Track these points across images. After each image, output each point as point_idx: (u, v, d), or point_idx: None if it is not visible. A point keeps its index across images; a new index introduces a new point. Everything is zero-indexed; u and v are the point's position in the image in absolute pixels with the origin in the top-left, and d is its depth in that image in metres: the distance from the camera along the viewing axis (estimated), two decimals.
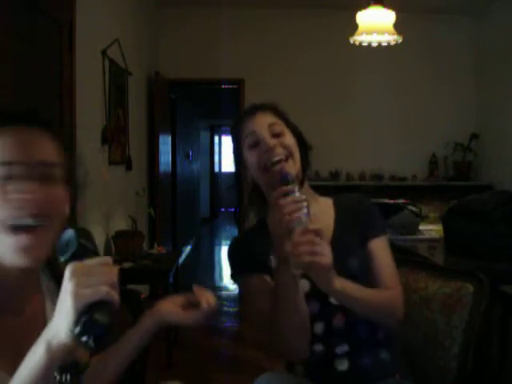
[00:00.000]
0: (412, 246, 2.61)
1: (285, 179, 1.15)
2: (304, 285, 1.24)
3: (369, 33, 3.62)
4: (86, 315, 0.73)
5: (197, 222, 9.70)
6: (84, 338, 0.73)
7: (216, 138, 12.56)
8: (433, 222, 3.25)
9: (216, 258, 8.29)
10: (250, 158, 1.31)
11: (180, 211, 6.78)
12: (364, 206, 1.43)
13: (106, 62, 3.46)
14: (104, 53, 3.41)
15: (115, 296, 0.76)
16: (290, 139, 1.34)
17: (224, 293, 5.65)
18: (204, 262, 7.83)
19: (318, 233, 1.10)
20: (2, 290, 0.92)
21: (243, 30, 5.68)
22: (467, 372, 1.37)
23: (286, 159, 1.29)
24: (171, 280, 3.58)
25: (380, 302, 1.26)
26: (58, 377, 0.75)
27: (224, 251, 8.45)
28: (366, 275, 1.31)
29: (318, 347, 1.29)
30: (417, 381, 1.39)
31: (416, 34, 5.32)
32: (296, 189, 1.13)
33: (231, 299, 5.44)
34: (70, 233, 0.81)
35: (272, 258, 1.25)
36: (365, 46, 3.97)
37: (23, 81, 2.21)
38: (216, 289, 5.84)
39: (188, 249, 7.74)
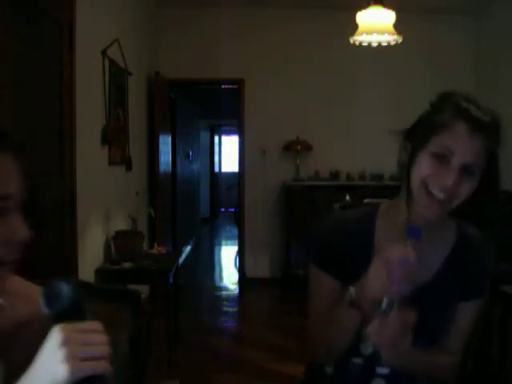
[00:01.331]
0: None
1: (414, 234, 1.01)
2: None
3: (369, 33, 3.62)
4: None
5: (197, 222, 9.70)
6: None
7: (216, 138, 12.55)
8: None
9: (216, 258, 8.30)
10: (426, 164, 1.09)
11: (180, 211, 6.79)
12: (484, 259, 1.24)
13: (106, 62, 3.46)
14: (104, 53, 3.41)
15: (110, 369, 0.72)
16: (470, 188, 1.08)
17: (224, 293, 5.65)
18: (204, 262, 7.83)
19: (406, 322, 1.03)
20: None
21: (243, 30, 5.68)
22: (467, 372, 1.36)
23: (447, 202, 1.09)
24: (171, 280, 3.58)
25: (436, 369, 1.22)
26: None
27: (224, 251, 8.46)
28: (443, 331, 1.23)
29: (358, 360, 1.23)
30: (417, 381, 1.38)
31: (416, 34, 5.32)
32: (413, 255, 0.99)
33: (231, 299, 5.44)
34: (64, 287, 0.74)
35: (350, 290, 1.11)
36: (365, 46, 3.97)
37: (23, 81, 2.21)
38: (216, 289, 5.84)
39: (188, 249, 7.74)
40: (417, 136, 1.15)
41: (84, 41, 2.91)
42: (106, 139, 3.39)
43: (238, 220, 6.22)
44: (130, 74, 4.08)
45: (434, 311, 1.18)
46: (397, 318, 1.02)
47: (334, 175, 5.72)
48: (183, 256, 6.73)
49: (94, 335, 0.73)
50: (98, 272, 3.20)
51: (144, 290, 3.87)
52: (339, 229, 1.25)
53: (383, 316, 1.03)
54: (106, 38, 3.47)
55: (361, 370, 1.23)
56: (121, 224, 3.73)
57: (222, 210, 12.50)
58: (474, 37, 5.80)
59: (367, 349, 1.21)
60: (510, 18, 5.10)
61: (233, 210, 8.97)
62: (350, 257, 1.17)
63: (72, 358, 0.68)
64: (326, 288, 1.22)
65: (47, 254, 2.47)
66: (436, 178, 1.08)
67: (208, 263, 7.79)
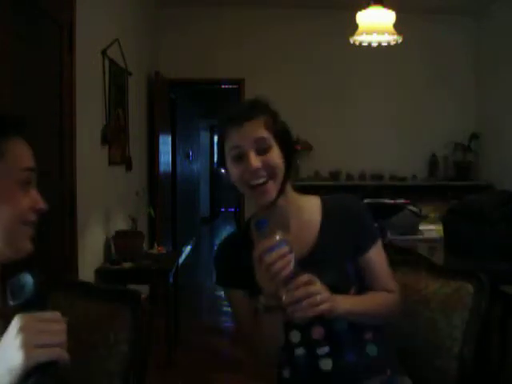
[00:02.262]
0: (412, 246, 2.61)
1: (261, 227, 1.12)
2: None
3: (369, 33, 3.62)
4: (34, 376, 0.72)
5: (197, 222, 9.70)
6: None
7: (216, 138, 12.55)
8: (433, 222, 3.24)
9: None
10: (233, 169, 1.26)
11: (180, 211, 6.79)
12: (353, 211, 1.35)
13: (106, 62, 3.46)
14: (104, 53, 3.41)
15: (65, 356, 0.75)
16: (275, 156, 1.25)
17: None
18: (204, 262, 7.83)
19: (310, 281, 1.11)
20: None
21: (243, 30, 5.68)
22: (467, 372, 1.37)
23: (267, 181, 1.24)
24: (171, 280, 3.58)
25: (386, 309, 1.30)
26: None
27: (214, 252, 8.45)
28: (359, 282, 1.31)
29: (299, 351, 1.30)
30: (417, 381, 1.39)
31: (416, 34, 5.32)
32: (277, 238, 1.09)
33: (227, 301, 5.44)
34: (27, 278, 0.77)
35: (260, 299, 1.19)
36: (365, 46, 3.97)
37: (23, 81, 2.21)
38: (216, 289, 5.83)
39: (188, 249, 7.74)
40: (217, 157, 1.36)
41: (84, 41, 2.91)
42: (105, 139, 3.39)
43: (238, 220, 6.21)
44: (130, 73, 4.08)
45: (327, 275, 1.24)
46: (297, 284, 1.09)
47: (334, 175, 5.72)
48: (183, 256, 6.72)
49: (52, 324, 0.76)
50: (98, 272, 3.20)
51: (144, 289, 3.87)
52: (226, 247, 1.43)
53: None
54: (106, 37, 3.47)
55: (305, 359, 1.29)
56: (121, 224, 3.73)
57: (222, 209, 12.50)
58: (474, 37, 5.80)
59: (296, 336, 1.29)
60: (510, 17, 5.10)
61: (233, 209, 8.97)
62: (242, 267, 1.24)
63: (27, 345, 0.72)
64: (238, 302, 1.34)
65: (47, 254, 2.47)
66: (245, 172, 1.23)
67: (208, 263, 7.78)
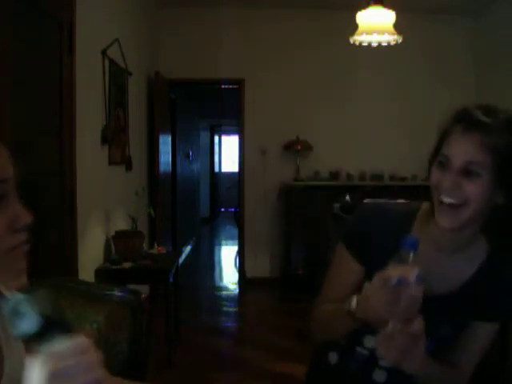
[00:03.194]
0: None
1: (409, 245, 0.96)
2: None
3: (369, 33, 3.62)
4: None
5: (197, 222, 9.70)
6: None
7: (216, 138, 12.55)
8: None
9: (216, 258, 8.29)
10: (434, 172, 1.12)
11: (180, 211, 6.79)
12: (509, 284, 1.18)
13: (106, 62, 3.46)
14: (104, 53, 3.41)
15: (99, 375, 0.64)
16: (475, 188, 1.06)
17: (224, 293, 5.65)
18: (204, 261, 7.84)
19: (417, 337, 1.00)
20: None
21: (243, 30, 5.68)
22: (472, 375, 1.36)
23: (458, 206, 1.07)
24: (171, 280, 3.58)
25: (445, 382, 1.19)
26: None
27: (224, 251, 8.46)
28: (450, 345, 1.21)
29: (363, 351, 1.25)
30: (416, 382, 1.38)
31: (416, 34, 5.32)
32: (418, 272, 0.94)
33: (231, 299, 5.44)
34: (24, 303, 0.63)
35: (352, 301, 1.10)
36: (365, 46, 3.97)
37: (23, 81, 2.21)
38: (216, 289, 5.84)
39: (188, 249, 7.74)
40: (432, 151, 1.18)
41: (84, 41, 2.91)
42: (105, 139, 3.39)
43: (238, 220, 6.22)
44: (130, 73, 4.08)
45: (446, 322, 1.18)
46: (404, 332, 0.99)
47: (334, 175, 5.72)
48: (183, 256, 6.73)
49: (82, 358, 0.64)
50: (98, 272, 3.20)
51: (144, 289, 3.87)
52: (383, 216, 1.24)
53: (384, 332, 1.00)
54: (105, 37, 3.47)
55: (364, 360, 1.24)
56: (121, 224, 3.73)
57: (222, 209, 12.51)
58: (473, 37, 5.80)
59: (370, 343, 1.22)
60: (510, 17, 5.10)
61: (233, 209, 8.97)
62: (380, 251, 1.14)
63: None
64: (347, 269, 1.23)
65: (47, 254, 2.47)
66: (440, 185, 1.09)
67: (208, 263, 7.79)
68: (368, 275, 1.14)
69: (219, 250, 8.88)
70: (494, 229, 1.14)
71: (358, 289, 1.14)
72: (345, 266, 1.24)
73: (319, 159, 5.71)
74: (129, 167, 4.05)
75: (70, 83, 2.73)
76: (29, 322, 0.63)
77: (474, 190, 1.06)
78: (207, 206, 11.60)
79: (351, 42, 3.81)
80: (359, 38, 3.74)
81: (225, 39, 5.68)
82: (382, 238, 1.19)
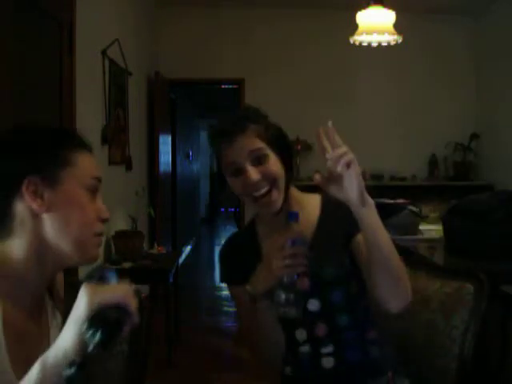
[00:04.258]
0: (412, 246, 2.61)
1: (292, 218, 1.16)
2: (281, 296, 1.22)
3: (369, 33, 3.62)
4: (99, 315, 0.77)
5: (197, 222, 9.70)
6: (93, 335, 0.76)
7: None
8: (433, 222, 3.24)
9: (216, 258, 8.30)
10: (234, 184, 1.27)
11: (180, 211, 6.79)
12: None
13: (106, 62, 3.46)
14: (104, 53, 3.41)
15: (129, 301, 0.81)
16: (272, 164, 1.25)
17: (224, 293, 5.65)
18: (204, 262, 7.83)
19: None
20: (36, 291, 0.96)
21: (243, 30, 5.68)
22: (467, 372, 1.37)
23: (271, 190, 1.24)
24: (171, 280, 3.58)
25: (399, 262, 1.18)
26: (64, 373, 0.76)
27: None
28: (357, 271, 1.28)
29: (304, 349, 1.31)
30: (417, 381, 1.39)
31: (416, 34, 5.32)
32: (304, 235, 1.16)
33: (231, 299, 5.44)
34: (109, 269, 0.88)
35: (249, 285, 1.23)
36: (365, 46, 3.97)
37: (23, 81, 2.21)
38: (216, 289, 5.83)
39: (188, 249, 7.74)
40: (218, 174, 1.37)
41: (84, 41, 2.91)
42: (105, 139, 3.39)
43: (238, 220, 6.22)
44: (130, 73, 4.08)
45: (326, 265, 1.29)
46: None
47: None
48: (183, 256, 6.73)
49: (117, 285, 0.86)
50: None
51: (144, 289, 3.87)
52: (231, 245, 1.44)
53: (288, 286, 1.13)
54: (106, 37, 3.47)
55: (309, 357, 1.30)
56: (121, 224, 3.73)
57: (222, 210, 12.50)
58: (474, 37, 5.80)
59: (302, 335, 1.31)
60: (510, 17, 5.10)
61: (233, 210, 8.97)
62: (247, 264, 1.25)
63: (92, 291, 0.79)
64: (242, 299, 1.29)
65: None
66: (246, 186, 1.23)
67: (208, 263, 7.79)
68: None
69: (219, 249, 8.88)
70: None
71: None
72: (239, 297, 1.32)
73: (319, 159, 5.67)
74: (129, 167, 4.05)
75: (70, 83, 2.73)
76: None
77: (271, 168, 1.24)
78: (207, 206, 11.60)
79: (351, 41, 3.80)
80: (359, 38, 3.73)
81: (225, 39, 5.68)
82: (241, 255, 1.35)
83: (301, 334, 1.31)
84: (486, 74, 5.63)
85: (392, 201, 3.11)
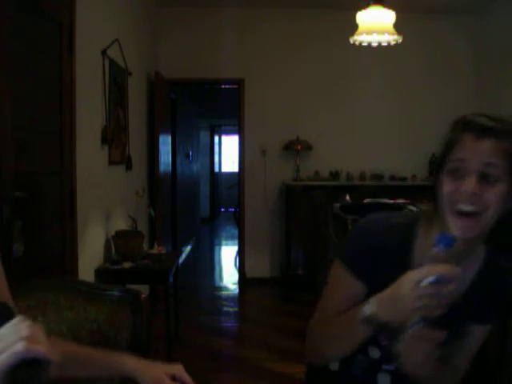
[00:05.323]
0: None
1: (446, 243, 0.96)
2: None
3: (369, 33, 3.62)
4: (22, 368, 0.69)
5: (197, 221, 9.70)
6: None
7: (216, 138, 12.55)
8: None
9: (216, 258, 8.29)
10: (446, 183, 1.07)
11: (180, 211, 6.79)
12: (506, 292, 1.20)
13: (106, 62, 3.46)
14: (104, 53, 3.41)
15: (40, 349, 0.71)
16: (497, 192, 1.03)
17: (224, 293, 5.65)
18: (204, 261, 7.83)
19: (434, 341, 1.00)
20: None
21: (243, 30, 5.68)
22: (467, 372, 1.37)
23: (478, 213, 1.04)
24: (171, 280, 3.58)
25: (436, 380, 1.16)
26: None
27: (224, 251, 8.46)
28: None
29: (365, 358, 1.24)
30: (416, 381, 1.38)
31: (416, 34, 5.32)
32: (457, 271, 0.94)
33: (231, 299, 5.44)
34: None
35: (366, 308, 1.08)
36: (365, 46, 3.97)
37: (23, 81, 2.21)
38: (216, 289, 5.84)
39: (188, 249, 7.74)
40: (437, 160, 1.14)
41: (84, 41, 2.91)
42: (105, 139, 3.39)
43: (238, 220, 6.22)
44: (130, 74, 4.08)
45: (451, 329, 1.17)
46: (427, 338, 0.98)
47: (334, 175, 5.72)
48: (183, 256, 6.73)
49: (13, 326, 0.73)
50: (98, 272, 3.20)
51: (144, 289, 3.87)
52: (378, 238, 1.19)
53: (410, 334, 0.99)
54: (105, 37, 3.47)
55: (367, 366, 1.23)
56: (121, 224, 3.73)
57: (222, 209, 12.50)
58: (474, 36, 5.80)
59: (376, 354, 1.21)
60: (510, 17, 5.10)
61: (233, 210, 8.98)
62: (383, 267, 1.13)
63: (30, 339, 0.70)
64: (348, 289, 1.19)
65: (47, 254, 2.48)
66: (457, 192, 1.05)
67: (208, 263, 7.79)
68: (371, 292, 1.12)
69: (219, 250, 8.88)
70: (495, 233, 1.13)
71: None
72: (344, 284, 1.20)
73: (319, 159, 5.71)
74: (129, 167, 4.05)
75: (70, 83, 2.73)
76: None
77: (494, 195, 1.03)
78: (207, 206, 11.60)
79: (351, 42, 3.81)
80: (359, 38, 3.74)
81: (225, 39, 5.68)
82: (385, 254, 1.15)
83: (372, 351, 1.22)
84: (486, 73, 5.64)
85: (392, 201, 3.11)
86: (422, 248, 1.14)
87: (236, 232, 6.64)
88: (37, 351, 0.70)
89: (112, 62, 3.57)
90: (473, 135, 1.04)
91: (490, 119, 1.07)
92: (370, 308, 1.06)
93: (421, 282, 0.95)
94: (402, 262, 1.08)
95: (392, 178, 5.71)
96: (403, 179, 5.69)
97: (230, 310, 5.05)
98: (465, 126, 1.07)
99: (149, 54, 5.16)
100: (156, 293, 4.48)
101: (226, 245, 8.90)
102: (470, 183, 1.02)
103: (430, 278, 0.94)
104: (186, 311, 4.37)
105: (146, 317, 1.35)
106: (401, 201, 3.12)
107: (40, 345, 0.71)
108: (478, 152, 1.03)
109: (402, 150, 5.72)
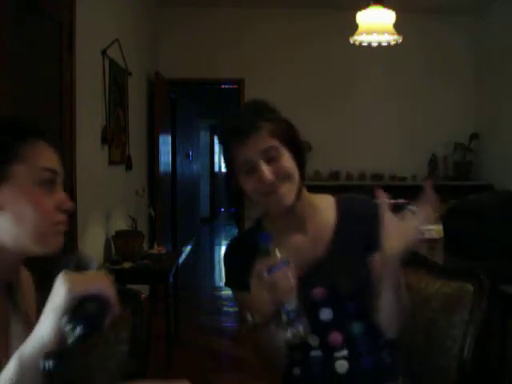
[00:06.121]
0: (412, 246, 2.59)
1: (263, 241, 1.08)
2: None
3: (369, 33, 3.62)
4: (77, 307, 0.76)
5: (197, 221, 9.70)
6: (73, 328, 0.74)
7: (216, 138, 12.56)
8: (433, 221, 3.23)
9: (216, 258, 8.29)
10: (247, 183, 1.23)
11: (180, 211, 6.78)
12: (367, 211, 1.31)
13: (106, 62, 3.46)
14: (104, 53, 3.41)
15: (110, 293, 0.79)
16: (286, 161, 1.22)
17: (224, 293, 5.65)
18: (204, 262, 7.83)
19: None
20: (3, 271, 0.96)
21: (243, 30, 5.68)
22: (467, 372, 1.37)
23: (283, 185, 1.22)
24: (171, 280, 3.58)
25: (404, 300, 1.27)
26: (41, 363, 0.75)
27: (224, 251, 8.45)
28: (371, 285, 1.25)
29: (316, 353, 1.28)
30: (417, 381, 1.39)
31: (416, 34, 5.32)
32: (279, 257, 1.06)
33: (231, 299, 5.44)
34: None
35: (247, 316, 1.17)
36: (365, 46, 3.97)
37: (23, 81, 2.21)
38: (216, 289, 5.84)
39: (188, 249, 7.74)
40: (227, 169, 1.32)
41: (84, 41, 2.91)
42: (105, 139, 3.39)
43: (238, 220, 6.21)
44: (130, 74, 4.08)
45: (343, 276, 1.25)
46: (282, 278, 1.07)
47: (334, 175, 5.72)
48: (183, 256, 6.73)
49: (95, 274, 0.85)
50: None
51: (144, 289, 3.87)
52: (236, 247, 1.40)
53: (291, 320, 1.06)
54: (105, 37, 3.47)
55: (321, 360, 1.27)
56: (121, 224, 3.73)
57: (222, 209, 12.50)
58: (474, 36, 5.80)
59: (315, 340, 1.26)
60: (510, 17, 5.10)
61: (233, 210, 8.97)
62: (251, 267, 1.18)
63: (70, 281, 0.78)
64: (247, 304, 1.24)
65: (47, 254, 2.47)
66: (260, 185, 1.21)
67: (208, 263, 7.79)
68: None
69: (219, 250, 8.87)
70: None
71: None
72: (245, 302, 1.26)
73: (319, 159, 5.71)
74: (129, 167, 4.05)
75: (70, 83, 2.73)
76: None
77: (285, 163, 1.21)
78: (207, 206, 11.60)
79: (351, 42, 3.81)
80: (359, 38, 3.74)
81: (225, 39, 5.69)
82: (248, 258, 1.18)
83: (313, 341, 1.27)
84: (486, 73, 5.63)
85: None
86: (272, 229, 1.29)
87: (236, 232, 6.63)
88: (107, 295, 0.79)
89: (112, 62, 3.57)
90: (241, 138, 1.20)
91: (245, 117, 1.25)
92: (248, 320, 1.16)
93: (259, 277, 1.08)
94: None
95: (392, 178, 5.71)
96: (403, 179, 5.69)
97: (230, 310, 5.05)
98: (231, 134, 1.23)
99: (149, 54, 5.16)
100: (156, 293, 4.48)
101: (226, 245, 8.89)
102: (263, 173, 1.19)
103: (265, 273, 1.06)
104: (185, 311, 4.36)
105: (146, 317, 1.35)
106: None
107: (111, 291, 0.80)
108: (252, 147, 1.20)
109: (402, 150, 5.72)
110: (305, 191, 1.32)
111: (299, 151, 1.27)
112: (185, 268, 6.09)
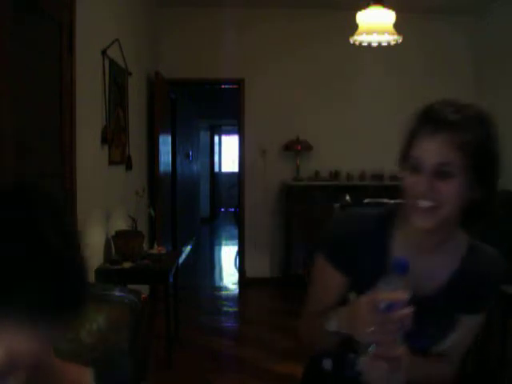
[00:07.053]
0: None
1: (399, 268, 0.96)
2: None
3: (369, 33, 3.62)
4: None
5: (197, 221, 9.70)
6: None
7: (216, 138, 12.55)
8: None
9: (216, 258, 8.30)
10: (407, 176, 1.11)
11: (180, 211, 6.79)
12: (494, 277, 1.19)
13: (106, 62, 3.46)
14: (104, 53, 3.41)
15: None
16: (452, 188, 1.06)
17: (224, 293, 5.65)
18: (204, 262, 7.83)
19: (399, 360, 1.00)
20: None
21: (243, 30, 5.68)
22: (467, 372, 1.37)
23: (434, 208, 1.07)
24: (171, 280, 3.58)
25: (434, 377, 1.20)
26: None
27: (224, 251, 8.45)
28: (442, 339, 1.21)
29: (355, 356, 1.22)
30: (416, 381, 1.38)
31: (416, 34, 5.32)
32: (406, 297, 0.95)
33: (231, 299, 5.44)
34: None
35: (332, 322, 1.12)
36: (365, 46, 3.97)
37: (23, 81, 2.21)
38: (216, 289, 5.84)
39: (188, 249, 7.74)
40: (401, 152, 1.15)
41: (84, 41, 2.91)
42: (105, 139, 3.40)
43: (238, 220, 6.22)
44: (130, 74, 4.08)
45: (434, 320, 1.18)
46: (384, 356, 1.00)
47: (334, 175, 5.72)
48: (183, 256, 6.73)
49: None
50: (98, 272, 3.20)
51: (144, 289, 3.87)
52: (355, 224, 1.22)
53: (368, 354, 1.01)
54: (105, 37, 3.47)
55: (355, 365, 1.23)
56: (121, 224, 3.73)
57: (222, 209, 12.50)
58: (474, 36, 5.80)
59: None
60: (510, 17, 5.10)
61: (233, 210, 8.97)
62: (362, 256, 1.15)
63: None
64: (330, 281, 1.21)
65: None
66: (413, 189, 1.09)
67: (208, 263, 7.79)
68: (353, 285, 1.16)
69: (219, 249, 8.88)
70: (472, 222, 1.15)
71: (341, 300, 1.18)
72: (327, 278, 1.22)
73: (319, 159, 5.71)
74: (129, 167, 4.05)
75: (70, 83, 2.73)
76: None
77: (449, 190, 1.06)
78: (207, 206, 11.60)
79: (351, 42, 3.81)
80: (359, 38, 3.74)
81: (225, 39, 5.68)
82: (364, 245, 1.17)
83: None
84: (486, 73, 5.63)
85: (392, 201, 3.11)
86: (402, 235, 1.17)
87: (236, 232, 6.63)
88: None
89: (112, 62, 3.57)
90: (430, 129, 1.07)
91: (455, 109, 1.10)
92: (333, 325, 1.11)
93: (374, 306, 0.97)
94: (380, 250, 1.12)
95: (392, 178, 5.71)
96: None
97: (230, 310, 5.06)
98: (425, 118, 1.10)
99: (149, 54, 5.16)
100: (156, 293, 4.48)
101: (226, 245, 8.90)
102: (422, 182, 1.06)
103: (382, 305, 0.95)
104: (185, 311, 4.37)
105: (146, 317, 1.35)
106: (401, 201, 3.12)
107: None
108: (431, 151, 1.06)
109: None
110: (460, 231, 1.18)
111: (486, 187, 1.09)
112: (185, 268, 6.09)
